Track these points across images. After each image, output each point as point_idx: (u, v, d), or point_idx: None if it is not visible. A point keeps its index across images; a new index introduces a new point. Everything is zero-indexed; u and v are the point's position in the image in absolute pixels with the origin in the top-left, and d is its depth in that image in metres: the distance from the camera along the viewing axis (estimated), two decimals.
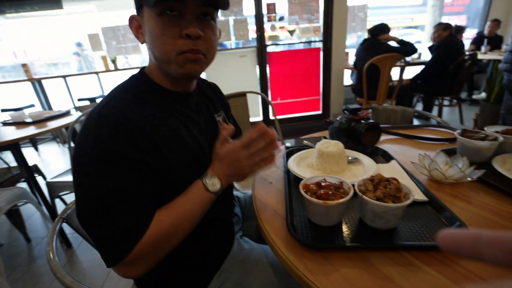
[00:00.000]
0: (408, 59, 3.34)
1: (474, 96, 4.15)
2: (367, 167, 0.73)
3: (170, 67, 0.55)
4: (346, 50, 3.74)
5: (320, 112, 3.84)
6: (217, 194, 0.57)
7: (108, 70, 3.66)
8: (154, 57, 0.56)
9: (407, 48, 2.83)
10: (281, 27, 3.62)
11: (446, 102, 3.34)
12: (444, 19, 6.04)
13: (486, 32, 4.16)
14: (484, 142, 0.70)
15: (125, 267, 0.49)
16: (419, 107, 3.91)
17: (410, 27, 7.99)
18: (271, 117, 3.75)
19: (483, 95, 3.13)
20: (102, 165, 0.48)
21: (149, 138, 0.52)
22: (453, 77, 3.03)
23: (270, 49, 3.55)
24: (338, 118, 0.94)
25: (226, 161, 0.58)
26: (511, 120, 1.88)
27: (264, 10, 3.34)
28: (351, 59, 3.71)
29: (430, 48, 3.33)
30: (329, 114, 3.80)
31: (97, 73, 3.87)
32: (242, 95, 1.63)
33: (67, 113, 1.91)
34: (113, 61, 3.63)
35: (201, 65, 0.57)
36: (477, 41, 4.21)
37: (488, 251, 0.15)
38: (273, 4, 3.40)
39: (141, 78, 0.61)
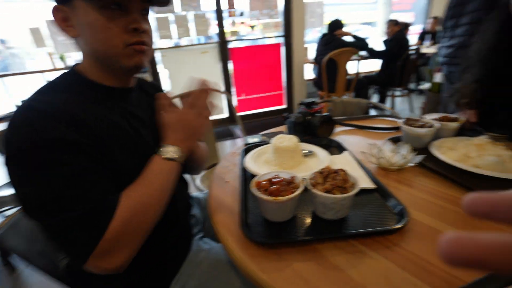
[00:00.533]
0: (362, 53, 3.51)
1: (420, 87, 4.51)
2: (321, 159, 0.75)
3: (117, 60, 0.53)
4: (306, 45, 3.82)
5: (285, 106, 3.90)
6: (179, 160, 0.57)
7: (56, 69, 3.33)
8: (94, 51, 0.54)
9: (360, 43, 2.97)
10: (242, 23, 3.59)
11: (397, 93, 3.58)
12: (394, 16, 6.45)
13: (427, 28, 4.52)
14: (423, 129, 0.75)
15: (101, 258, 0.44)
16: (376, 98, 4.15)
17: (364, 23, 8.39)
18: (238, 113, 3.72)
19: (427, 85, 3.41)
20: (48, 155, 0.44)
21: (91, 131, 0.49)
22: (401, 69, 3.26)
23: (232, 44, 3.50)
24: (295, 113, 0.95)
25: (178, 126, 0.59)
26: (451, 105, 2.06)
27: (224, 5, 3.28)
28: (311, 54, 3.80)
29: (384, 42, 3.53)
30: (293, 108, 3.87)
31: (41, 72, 3.50)
32: None
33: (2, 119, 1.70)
34: (62, 58, 3.31)
35: (147, 57, 0.57)
36: (422, 37, 4.56)
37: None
38: None
39: (73, 75, 0.56)
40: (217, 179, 0.75)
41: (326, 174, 0.53)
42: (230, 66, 3.46)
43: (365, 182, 0.62)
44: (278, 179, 0.55)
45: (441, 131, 0.80)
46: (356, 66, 3.24)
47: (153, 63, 3.19)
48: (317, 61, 3.24)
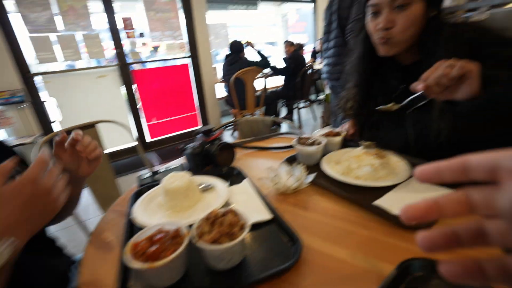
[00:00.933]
0: (266, 71, 3.76)
1: (319, 97, 5.15)
2: (219, 193, 0.69)
3: None
4: (215, 65, 3.86)
5: (200, 126, 3.80)
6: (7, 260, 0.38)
7: None
8: None
9: (263, 62, 3.16)
10: (144, 44, 3.36)
11: (301, 105, 3.97)
12: (290, 37, 7.26)
13: (317, 48, 5.25)
14: (313, 147, 0.78)
15: None
16: (284, 111, 4.50)
17: (267, 43, 9.12)
18: (148, 139, 3.41)
19: (322, 96, 3.90)
20: None
21: None
22: (301, 83, 3.63)
23: (135, 67, 3.23)
24: (192, 144, 0.87)
25: (15, 203, 0.41)
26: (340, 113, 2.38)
27: (120, 25, 3.01)
28: (220, 73, 3.86)
29: (284, 60, 3.88)
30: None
31: None
32: (90, 126, 1.34)
33: None
34: None
35: None
36: (314, 55, 5.26)
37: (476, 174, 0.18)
38: (129, 19, 3.11)
39: None
40: (95, 239, 0.60)
41: (213, 220, 0.47)
42: (135, 89, 3.16)
43: (261, 214, 0.59)
44: (161, 234, 0.46)
45: (328, 146, 0.86)
46: (263, 83, 3.44)
47: (32, 91, 2.63)
48: (225, 80, 3.29)
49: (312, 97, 5.54)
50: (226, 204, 0.65)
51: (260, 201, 0.64)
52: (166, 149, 3.45)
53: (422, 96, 0.57)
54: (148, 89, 3.26)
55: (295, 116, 4.20)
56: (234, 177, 0.80)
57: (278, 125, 3.97)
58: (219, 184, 0.73)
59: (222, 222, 0.46)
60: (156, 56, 3.41)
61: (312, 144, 0.80)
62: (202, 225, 0.46)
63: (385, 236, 0.51)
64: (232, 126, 3.86)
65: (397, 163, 0.73)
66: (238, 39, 3.30)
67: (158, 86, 3.32)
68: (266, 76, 3.90)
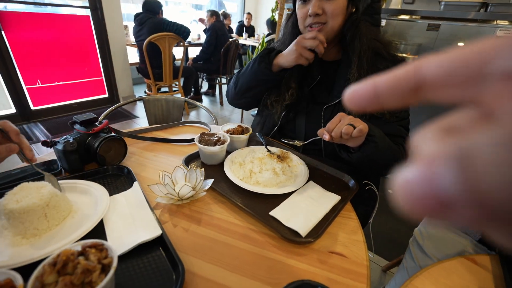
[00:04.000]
0: (188, 39, 3.41)
1: None
2: (94, 206, 0.56)
3: None
4: (125, 23, 3.26)
5: (106, 95, 3.24)
6: None
7: None
8: None
9: (180, 31, 2.79)
10: None
11: (224, 80, 3.82)
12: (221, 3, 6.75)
13: (245, 22, 5.07)
14: (215, 148, 0.71)
15: None
16: (205, 85, 4.27)
17: (197, 5, 8.30)
18: (32, 107, 2.71)
19: None
20: None
21: None
22: (225, 58, 3.46)
23: (2, 6, 2.40)
24: (65, 137, 0.68)
25: None
26: None
27: None
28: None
29: (204, 31, 3.58)
30: (117, 97, 3.30)
31: None
32: None
33: None
34: None
35: None
36: (239, 30, 5.06)
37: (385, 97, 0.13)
38: None
39: None
40: None
41: (62, 265, 0.35)
42: (5, 38, 2.38)
43: (147, 232, 0.50)
44: None
45: (234, 144, 0.81)
46: (183, 52, 3.11)
47: None
48: (137, 44, 2.83)
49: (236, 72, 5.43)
50: (104, 221, 0.53)
51: (149, 214, 0.55)
52: (58, 120, 2.82)
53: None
54: (27, 40, 2.51)
55: (216, 92, 4.05)
56: (123, 179, 0.67)
57: (198, 100, 3.76)
58: (96, 190, 0.59)
59: (76, 267, 0.35)
60: None
61: (216, 143, 0.74)
62: (45, 274, 0.35)
63: (277, 254, 0.50)
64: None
65: (297, 166, 0.74)
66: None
67: (43, 39, 2.59)
68: (188, 46, 3.55)
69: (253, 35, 4.98)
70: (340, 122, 0.62)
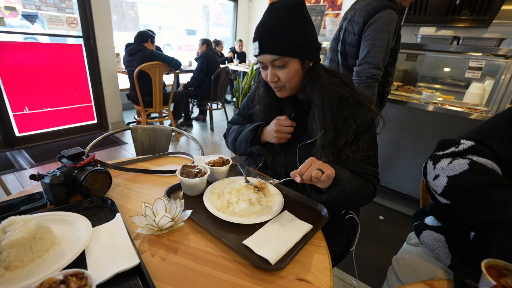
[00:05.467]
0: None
1: (235, 99, 5.28)
2: (76, 239, 0.61)
3: None
4: (117, 51, 3.44)
5: (95, 121, 3.33)
6: None
7: None
8: None
9: (171, 63, 2.94)
10: (10, 9, 2.66)
11: (214, 106, 3.97)
12: (213, 28, 7.14)
13: (237, 49, 5.36)
14: (196, 180, 0.79)
15: None
16: (196, 111, 4.41)
17: (190, 30, 8.69)
18: (17, 133, 2.77)
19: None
20: None
21: None
22: (215, 84, 3.63)
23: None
24: (52, 171, 0.74)
25: None
26: None
27: None
28: None
29: (196, 59, 3.79)
30: (106, 123, 3.38)
31: None
32: None
33: None
34: None
35: None
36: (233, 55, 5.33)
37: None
38: None
39: None
40: None
41: None
42: None
43: (126, 261, 0.55)
44: None
45: (215, 175, 0.88)
46: (174, 79, 3.26)
47: None
48: (127, 72, 2.98)
49: (228, 97, 5.64)
50: (87, 251, 0.58)
51: (129, 244, 0.60)
52: (45, 147, 2.87)
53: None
54: (18, 69, 2.63)
55: (207, 118, 4.18)
56: (106, 210, 0.73)
57: (189, 125, 3.87)
58: (79, 221, 0.65)
59: None
60: (31, 29, 2.76)
61: (196, 174, 0.81)
62: None
63: (246, 281, 0.56)
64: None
65: (274, 197, 0.82)
66: (147, 30, 3.02)
67: (35, 67, 2.72)
68: (180, 72, 3.73)
69: (244, 61, 5.25)
70: (311, 167, 0.72)
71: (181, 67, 3.11)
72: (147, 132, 1.53)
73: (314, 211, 0.79)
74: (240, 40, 5.36)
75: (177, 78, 4.15)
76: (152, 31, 3.48)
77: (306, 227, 0.71)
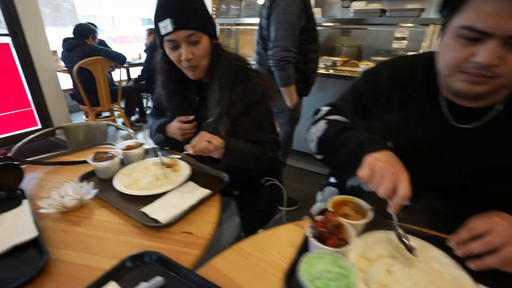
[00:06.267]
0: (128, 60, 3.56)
1: None
2: None
3: None
4: (55, 48, 3.34)
5: (38, 127, 3.25)
6: None
7: None
8: None
9: (114, 58, 2.93)
10: None
11: None
12: None
13: None
14: (105, 163, 0.89)
15: None
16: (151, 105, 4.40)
17: (144, 19, 8.39)
18: None
19: None
20: None
21: None
22: None
23: None
24: None
25: None
26: None
27: None
28: None
29: (145, 51, 3.77)
30: (53, 127, 3.31)
31: None
32: None
33: None
34: None
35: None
36: None
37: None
38: None
39: None
40: None
41: None
42: None
43: (25, 236, 0.65)
44: None
45: (129, 158, 0.99)
46: (122, 74, 3.24)
47: None
48: (68, 70, 2.93)
49: None
50: None
51: (30, 223, 0.70)
52: None
53: None
54: None
55: None
56: (17, 199, 0.81)
57: (145, 122, 3.87)
58: None
59: None
60: None
61: (110, 158, 0.91)
62: None
63: (138, 239, 0.68)
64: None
65: (183, 171, 0.94)
66: (86, 22, 2.96)
67: None
68: (129, 66, 3.69)
69: None
70: (201, 139, 0.85)
71: (130, 60, 3.12)
72: (80, 129, 1.59)
73: (218, 179, 0.93)
74: None
75: (127, 73, 4.10)
76: (93, 24, 3.41)
77: (204, 192, 0.84)
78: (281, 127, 1.92)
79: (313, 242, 0.55)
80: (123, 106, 3.43)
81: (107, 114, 3.63)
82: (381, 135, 0.69)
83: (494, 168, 0.63)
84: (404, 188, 0.53)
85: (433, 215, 0.68)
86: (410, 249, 0.56)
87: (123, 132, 3.20)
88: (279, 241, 0.66)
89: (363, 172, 0.59)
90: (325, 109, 0.85)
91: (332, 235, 0.55)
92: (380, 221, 0.65)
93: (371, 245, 0.61)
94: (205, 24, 0.94)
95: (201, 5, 0.94)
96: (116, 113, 3.46)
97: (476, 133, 0.65)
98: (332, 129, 0.77)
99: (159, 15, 0.90)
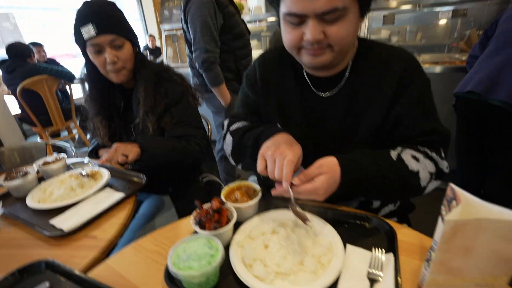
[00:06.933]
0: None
1: None
2: None
3: None
4: None
5: None
6: None
7: None
8: None
9: (61, 76, 2.88)
10: None
11: None
12: None
13: (149, 45, 5.33)
14: (15, 181, 0.90)
15: None
16: None
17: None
18: None
19: None
20: None
21: None
22: None
23: None
24: None
25: None
26: None
27: None
28: None
29: None
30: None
31: None
32: None
33: None
34: None
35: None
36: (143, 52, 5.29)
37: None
38: None
39: None
40: None
41: None
42: None
43: None
44: None
45: (49, 173, 1.01)
46: (70, 91, 3.19)
47: None
48: (12, 93, 2.88)
49: None
50: None
51: None
52: None
53: None
54: None
55: None
56: None
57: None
58: None
59: None
60: None
61: (24, 174, 0.93)
62: None
63: (42, 249, 0.70)
64: None
65: (101, 179, 0.96)
66: (21, 42, 2.92)
67: None
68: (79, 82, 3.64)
69: (160, 56, 5.24)
70: (116, 153, 0.96)
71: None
72: (15, 152, 1.58)
73: (135, 181, 0.96)
74: (151, 35, 5.33)
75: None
76: (36, 43, 3.38)
77: (118, 196, 0.87)
78: (220, 126, 1.97)
79: (194, 227, 0.60)
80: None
81: (66, 133, 3.58)
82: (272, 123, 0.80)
83: (357, 128, 0.74)
84: (286, 174, 0.59)
85: None
86: (303, 220, 0.60)
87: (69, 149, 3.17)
88: (178, 233, 0.71)
89: (258, 166, 0.65)
90: (225, 122, 0.92)
91: (209, 220, 0.60)
92: (276, 200, 0.71)
93: (259, 224, 0.66)
94: (127, 31, 1.05)
95: (122, 14, 1.05)
96: (74, 131, 3.42)
97: (335, 99, 0.76)
98: (235, 138, 0.83)
99: (82, 21, 0.97)
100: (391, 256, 0.54)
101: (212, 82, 1.72)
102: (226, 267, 0.56)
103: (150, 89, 1.07)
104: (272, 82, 0.83)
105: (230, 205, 0.65)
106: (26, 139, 3.49)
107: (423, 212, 0.60)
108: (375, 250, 0.55)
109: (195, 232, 0.61)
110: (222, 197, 0.70)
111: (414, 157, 0.67)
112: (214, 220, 0.60)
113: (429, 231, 0.56)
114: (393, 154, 0.67)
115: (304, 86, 0.79)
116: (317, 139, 0.77)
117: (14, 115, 3.29)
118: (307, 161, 0.65)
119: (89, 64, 1.09)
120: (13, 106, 3.27)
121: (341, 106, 0.75)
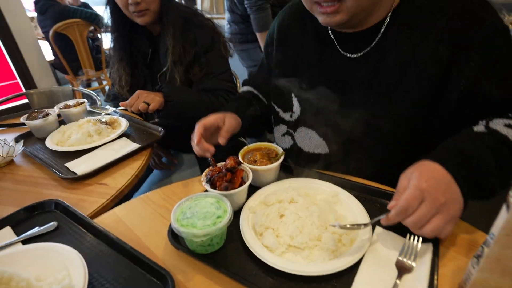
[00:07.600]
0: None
1: None
2: None
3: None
4: (30, 14, 3.36)
5: (26, 100, 3.37)
6: None
7: None
8: None
9: (90, 19, 2.90)
10: None
11: None
12: None
13: None
14: (37, 121, 0.92)
15: None
16: None
17: None
18: None
19: None
20: None
21: None
22: None
23: None
24: None
25: None
26: None
27: None
28: None
29: None
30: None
31: None
32: None
33: None
34: None
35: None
36: None
37: None
38: None
39: None
40: None
41: None
42: None
43: None
44: None
45: (69, 117, 1.02)
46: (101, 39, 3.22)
47: None
48: (45, 36, 2.96)
49: None
50: None
51: None
52: None
53: None
54: None
55: None
56: None
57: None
58: None
59: None
60: None
61: (45, 116, 0.95)
62: None
63: (53, 190, 0.72)
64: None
65: (120, 127, 0.96)
66: None
67: None
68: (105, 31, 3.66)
69: None
70: (138, 100, 0.93)
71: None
72: (44, 95, 1.64)
73: (154, 133, 0.95)
74: None
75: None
76: None
77: (134, 146, 0.86)
78: None
79: (204, 185, 0.57)
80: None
81: (96, 84, 3.70)
82: (284, 83, 0.75)
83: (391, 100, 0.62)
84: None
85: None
86: None
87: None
88: (189, 191, 0.68)
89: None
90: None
91: (221, 178, 0.56)
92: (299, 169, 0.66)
93: (276, 191, 0.61)
94: None
95: None
96: (104, 82, 3.52)
97: (363, 61, 0.64)
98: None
99: None
100: (429, 246, 0.47)
101: (261, 25, 1.65)
102: (234, 232, 0.53)
103: (179, 35, 1.02)
104: (292, 35, 0.75)
105: (246, 166, 0.61)
106: (60, 85, 3.67)
107: (477, 202, 0.50)
108: (410, 237, 0.48)
109: (206, 191, 0.58)
110: (240, 156, 0.65)
111: (509, 125, 0.52)
112: (226, 180, 0.56)
113: (482, 225, 0.48)
114: (479, 128, 0.53)
115: (325, 44, 0.69)
116: (341, 106, 0.66)
117: (48, 61, 3.44)
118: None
119: (112, 3, 1.05)
120: (47, 52, 3.41)
121: (366, 70, 0.63)
